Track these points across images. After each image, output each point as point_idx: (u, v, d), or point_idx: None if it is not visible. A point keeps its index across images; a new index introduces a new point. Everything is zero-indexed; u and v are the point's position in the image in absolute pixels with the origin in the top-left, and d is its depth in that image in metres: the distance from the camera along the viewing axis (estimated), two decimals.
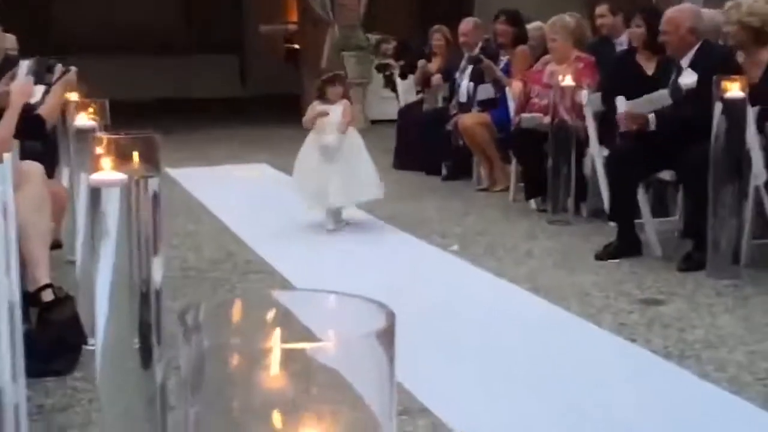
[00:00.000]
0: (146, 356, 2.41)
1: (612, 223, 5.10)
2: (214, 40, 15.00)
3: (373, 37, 10.96)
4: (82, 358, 3.22)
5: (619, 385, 3.23)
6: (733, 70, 4.61)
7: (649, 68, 5.39)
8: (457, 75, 7.45)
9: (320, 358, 0.78)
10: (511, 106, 6.67)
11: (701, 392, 3.16)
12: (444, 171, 7.47)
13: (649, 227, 5.00)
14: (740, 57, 4.91)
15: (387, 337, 0.80)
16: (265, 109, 12.26)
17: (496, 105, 6.97)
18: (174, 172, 7.11)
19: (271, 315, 0.86)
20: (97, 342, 2.45)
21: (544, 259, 4.94)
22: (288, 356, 0.78)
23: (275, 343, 0.81)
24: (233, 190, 6.94)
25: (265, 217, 5.85)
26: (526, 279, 4.48)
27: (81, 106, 3.63)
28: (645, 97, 4.88)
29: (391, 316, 0.82)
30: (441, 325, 3.80)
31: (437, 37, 8.09)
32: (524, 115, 6.15)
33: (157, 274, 2.37)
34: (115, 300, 2.40)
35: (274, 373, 0.77)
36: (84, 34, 13.87)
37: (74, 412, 2.95)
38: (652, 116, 4.76)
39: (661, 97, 4.84)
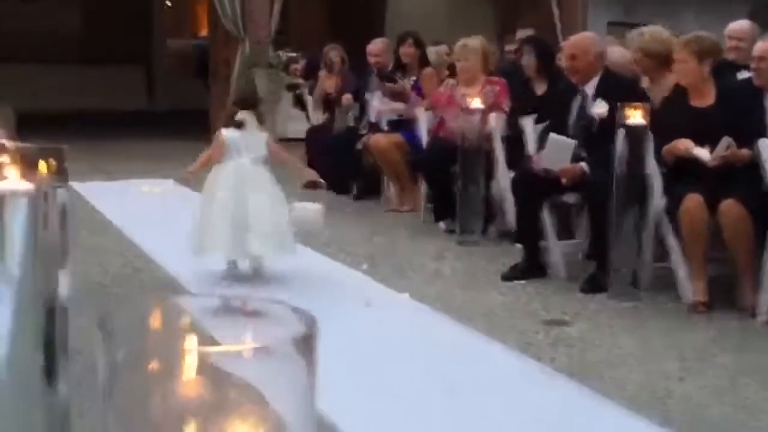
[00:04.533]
0: (51, 372, 2.35)
1: (518, 245, 5.22)
2: (119, 51, 14.69)
3: (284, 55, 10.93)
4: None
5: (525, 402, 3.28)
6: (639, 97, 4.78)
7: (540, 89, 5.74)
8: (367, 95, 7.51)
9: (236, 366, 0.76)
10: (423, 128, 6.74)
11: (603, 410, 3.23)
12: (354, 190, 7.52)
13: (554, 249, 5.10)
14: (645, 82, 5.10)
15: (307, 343, 0.78)
16: (172, 123, 12.08)
17: (403, 125, 7.05)
18: (76, 186, 6.94)
19: (186, 322, 0.84)
20: (1, 361, 2.37)
21: (452, 279, 5.00)
22: (203, 363, 0.75)
23: (190, 350, 0.78)
24: (138, 204, 6.83)
25: (171, 233, 5.76)
26: (435, 298, 4.52)
27: None
28: (551, 144, 4.94)
29: (312, 322, 0.81)
30: (349, 342, 3.81)
31: (334, 54, 8.14)
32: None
33: (64, 288, 2.32)
34: (19, 314, 2.34)
35: (188, 379, 0.75)
36: None
37: None
38: (584, 165, 4.84)
39: (568, 145, 4.89)
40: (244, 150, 4.76)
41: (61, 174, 2.29)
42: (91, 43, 14.90)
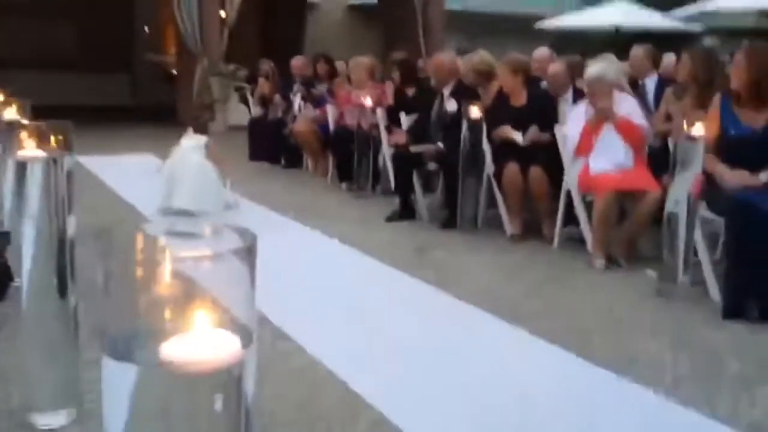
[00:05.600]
0: (62, 289, 2.24)
1: (396, 198, 5.24)
2: (110, 62, 13.93)
3: (231, 66, 10.63)
4: (10, 291, 2.94)
5: (402, 306, 3.28)
6: (476, 98, 4.83)
7: (410, 93, 5.77)
8: (292, 96, 7.38)
9: (195, 272, 0.73)
10: (331, 119, 6.67)
11: (457, 307, 3.22)
12: (283, 162, 7.39)
13: (420, 200, 5.17)
14: (480, 90, 5.15)
15: (249, 253, 0.76)
16: (150, 115, 11.56)
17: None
18: (80, 158, 6.59)
19: (160, 240, 0.81)
20: (23, 279, 2.25)
21: (351, 222, 4.99)
22: (172, 269, 0.73)
23: (163, 259, 0.75)
24: (127, 173, 6.54)
25: (151, 192, 5.54)
26: (340, 235, 4.47)
27: (6, 103, 3.29)
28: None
29: (252, 238, 0.78)
30: (283, 264, 3.78)
31: (267, 66, 8.04)
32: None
33: (71, 228, 2.21)
34: (38, 247, 2.21)
35: (163, 280, 0.73)
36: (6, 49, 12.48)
37: (5, 332, 2.71)
38: (441, 144, 4.86)
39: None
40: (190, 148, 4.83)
41: (67, 145, 2.17)
42: (85, 55, 14.03)
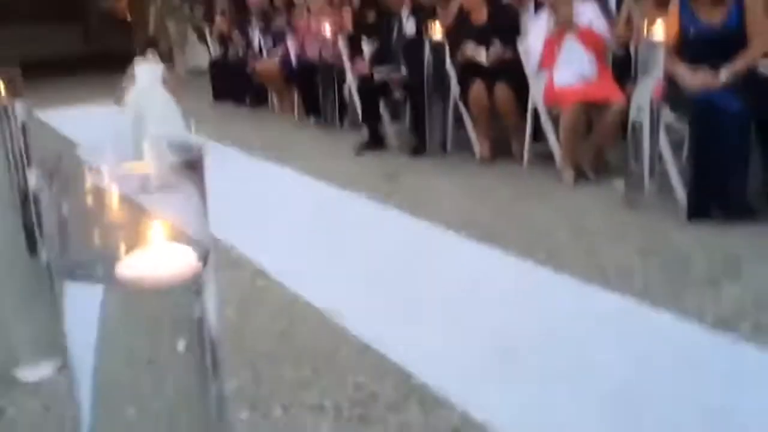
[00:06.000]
0: (32, 244, 2.22)
1: (364, 128, 5.19)
2: (62, 11, 13.34)
3: (186, 5, 10.24)
4: None
5: (376, 234, 3.31)
6: (435, 18, 4.73)
7: (371, 18, 5.62)
8: (250, 31, 7.17)
9: (145, 193, 0.73)
10: (292, 53, 6.51)
11: (434, 233, 3.23)
12: (248, 101, 7.25)
13: (389, 129, 5.13)
14: (439, 10, 5.04)
15: (196, 165, 0.76)
16: (105, 62, 11.16)
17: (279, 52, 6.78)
18: (38, 113, 6.42)
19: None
20: None
21: (320, 154, 4.96)
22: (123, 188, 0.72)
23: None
24: (86, 122, 6.36)
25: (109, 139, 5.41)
26: (312, 170, 4.43)
27: None
28: None
29: (198, 150, 0.78)
30: (255, 198, 3.78)
31: (222, 4, 7.80)
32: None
33: (32, 181, 2.16)
34: (1, 205, 2.17)
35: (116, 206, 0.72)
36: None
37: None
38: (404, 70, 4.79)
39: None
40: (148, 75, 4.87)
41: (16, 92, 2.09)
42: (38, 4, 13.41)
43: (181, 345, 0.75)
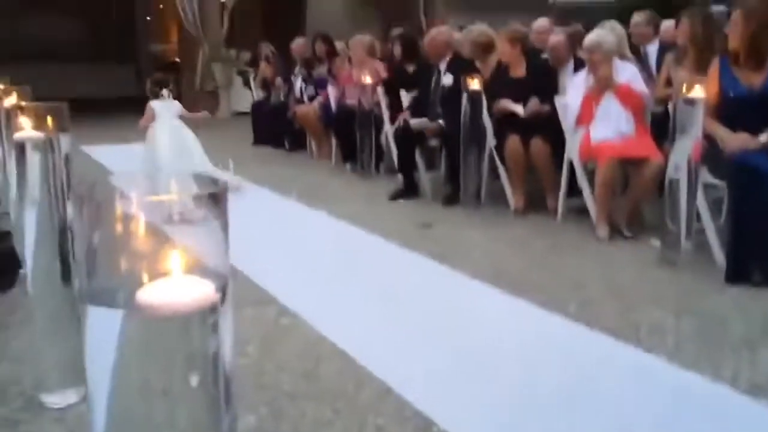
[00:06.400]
0: (66, 273, 2.27)
1: (399, 176, 5.24)
2: (116, 54, 13.98)
3: (233, 51, 10.61)
4: (19, 278, 2.99)
5: (407, 281, 3.29)
6: (474, 71, 4.79)
7: (410, 69, 5.71)
8: (293, 78, 7.36)
9: (168, 224, 0.75)
10: (332, 99, 6.66)
11: (460, 280, 3.23)
12: (287, 145, 7.40)
13: (424, 177, 5.16)
14: (478, 64, 5.11)
15: (217, 201, 0.77)
16: None
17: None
18: (86, 148, 6.67)
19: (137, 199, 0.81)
20: (28, 266, 2.28)
21: (355, 201, 5.00)
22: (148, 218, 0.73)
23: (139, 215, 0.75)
24: (129, 157, 6.54)
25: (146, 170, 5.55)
26: (346, 215, 4.45)
27: (6, 92, 3.31)
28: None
29: (224, 185, 0.80)
30: (288, 239, 3.81)
31: (266, 51, 8.03)
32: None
33: (71, 211, 2.23)
34: (40, 233, 2.24)
35: (141, 235, 0.74)
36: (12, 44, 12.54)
37: (16, 316, 2.76)
38: (441, 121, 4.85)
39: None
40: (165, 112, 5.22)
41: (63, 126, 2.17)
42: (92, 46, 14.09)
43: (194, 379, 0.75)
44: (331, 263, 3.52)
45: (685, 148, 3.27)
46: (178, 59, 12.97)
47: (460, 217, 4.45)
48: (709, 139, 3.32)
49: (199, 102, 9.62)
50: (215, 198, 0.76)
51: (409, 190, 5.04)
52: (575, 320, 2.73)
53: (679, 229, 3.34)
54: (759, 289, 3.00)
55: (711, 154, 3.31)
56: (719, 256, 3.29)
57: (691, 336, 2.58)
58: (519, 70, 4.64)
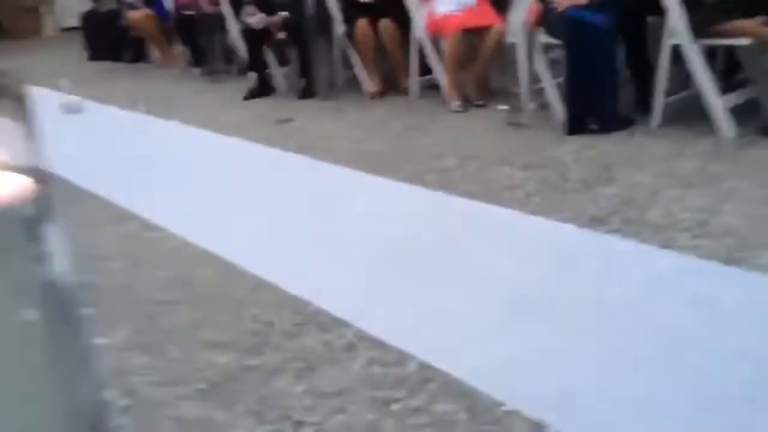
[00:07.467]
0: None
1: (252, 74, 5.07)
2: None
3: None
4: None
5: (270, 176, 3.30)
6: None
7: None
8: None
9: None
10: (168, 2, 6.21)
11: (326, 169, 3.26)
12: (126, 58, 6.89)
13: (277, 74, 5.04)
14: None
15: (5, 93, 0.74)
16: None
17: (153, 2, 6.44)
18: None
19: None
20: None
21: (210, 105, 4.82)
22: None
23: None
24: None
25: None
26: (201, 122, 4.29)
27: None
28: None
29: (18, 82, 0.75)
30: (144, 155, 3.65)
31: None
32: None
33: None
34: None
35: None
36: None
37: None
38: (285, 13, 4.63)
39: None
40: None
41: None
42: None
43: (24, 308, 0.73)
44: (191, 172, 3.42)
45: (521, 12, 3.40)
46: None
47: (317, 109, 4.42)
48: (543, 0, 3.45)
49: (20, 21, 8.65)
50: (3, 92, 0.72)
51: (264, 87, 4.92)
52: (434, 189, 2.86)
53: (522, 91, 3.53)
54: (596, 137, 3.27)
55: (546, 14, 3.46)
56: (560, 112, 3.53)
57: (537, 186, 2.80)
58: None
